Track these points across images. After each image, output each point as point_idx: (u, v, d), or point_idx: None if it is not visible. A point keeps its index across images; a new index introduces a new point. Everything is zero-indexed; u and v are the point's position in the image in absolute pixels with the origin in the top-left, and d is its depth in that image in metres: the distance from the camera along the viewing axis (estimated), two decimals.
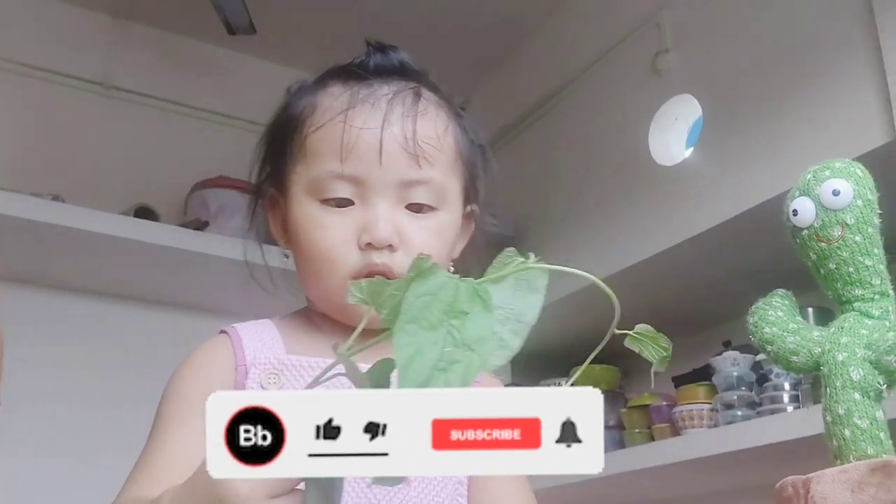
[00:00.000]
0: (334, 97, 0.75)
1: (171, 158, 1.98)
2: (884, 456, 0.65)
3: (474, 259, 0.80)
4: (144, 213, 1.75)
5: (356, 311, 0.73)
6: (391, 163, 0.72)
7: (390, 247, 0.72)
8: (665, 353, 0.46)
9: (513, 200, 2.06)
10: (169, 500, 0.53)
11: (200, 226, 1.74)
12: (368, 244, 0.71)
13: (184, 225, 1.75)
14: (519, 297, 0.44)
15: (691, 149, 1.61)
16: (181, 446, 0.67)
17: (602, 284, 0.45)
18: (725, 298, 1.60)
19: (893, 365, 0.65)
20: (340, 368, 0.47)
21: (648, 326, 0.48)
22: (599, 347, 0.47)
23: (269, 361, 0.72)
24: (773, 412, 1.46)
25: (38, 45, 1.91)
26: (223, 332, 0.77)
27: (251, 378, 0.71)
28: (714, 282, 1.66)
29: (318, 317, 0.79)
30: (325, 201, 0.73)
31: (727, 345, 1.63)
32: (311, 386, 0.49)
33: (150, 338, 1.79)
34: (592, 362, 1.81)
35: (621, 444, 1.76)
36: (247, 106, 2.08)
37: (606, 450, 1.55)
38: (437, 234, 0.74)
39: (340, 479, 0.49)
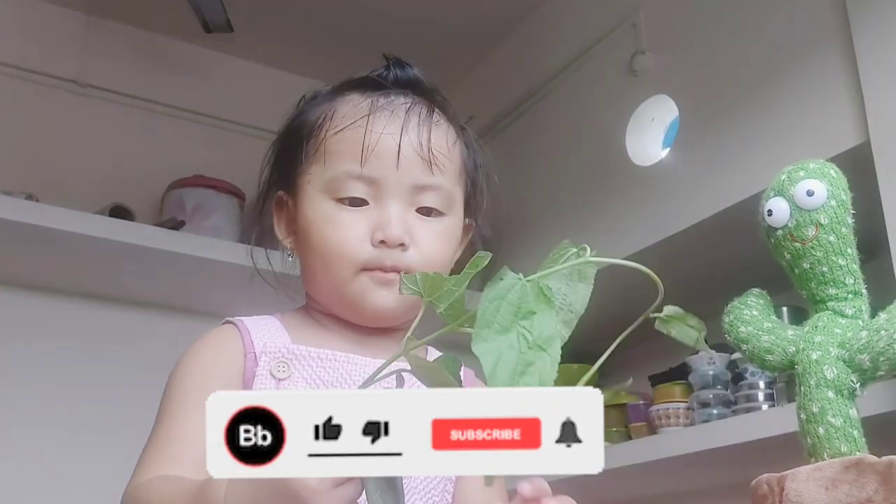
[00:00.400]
0: (354, 104, 0.80)
1: (146, 157, 1.96)
2: (857, 454, 0.66)
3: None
4: (119, 212, 1.73)
5: (363, 306, 0.77)
6: (407, 167, 0.77)
7: (402, 245, 0.76)
8: (697, 333, 0.47)
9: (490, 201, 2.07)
10: (227, 487, 0.54)
11: (176, 225, 1.72)
12: (382, 242, 0.75)
13: (160, 224, 1.74)
14: (571, 287, 0.45)
15: (668, 149, 1.62)
16: (198, 428, 0.68)
17: (649, 271, 0.46)
18: (701, 298, 1.60)
19: (866, 363, 0.66)
20: (400, 365, 0.48)
21: (676, 308, 0.49)
22: (630, 329, 0.48)
23: (278, 350, 0.75)
24: (748, 410, 1.48)
25: (11, 43, 1.88)
26: (228, 322, 0.79)
27: (261, 366, 0.74)
28: (690, 281, 1.67)
29: (319, 314, 0.82)
30: (341, 200, 0.77)
31: None
32: (367, 384, 0.49)
33: (126, 338, 1.77)
34: (570, 361, 1.81)
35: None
36: (223, 105, 2.06)
37: None
38: (443, 237, 0.79)
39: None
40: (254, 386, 0.73)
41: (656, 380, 1.72)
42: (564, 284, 0.45)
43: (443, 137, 0.80)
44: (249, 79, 2.13)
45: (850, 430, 0.66)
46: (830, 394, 0.67)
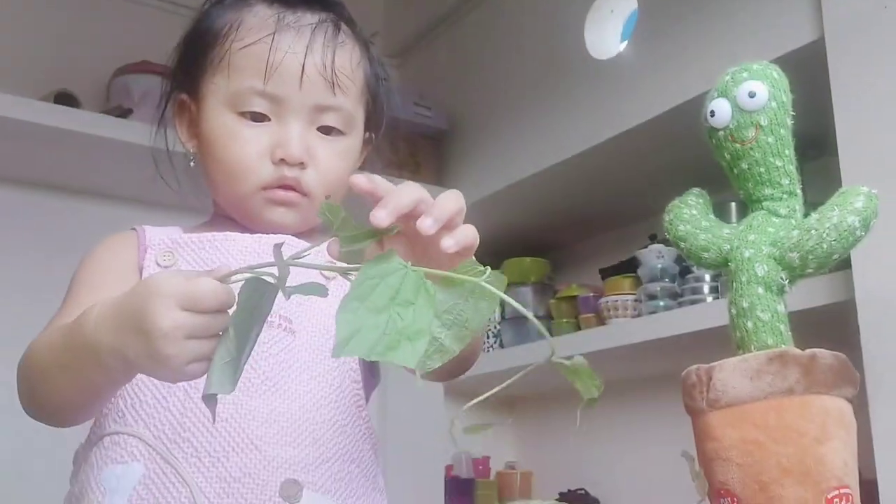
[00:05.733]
0: (260, 18, 0.80)
1: (91, 41, 1.88)
2: (782, 347, 0.69)
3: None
4: (65, 98, 1.67)
5: (261, 221, 0.80)
6: (309, 87, 0.78)
7: (301, 164, 0.78)
8: (595, 393, 0.48)
9: (447, 93, 2.04)
10: (98, 308, 0.60)
11: (123, 113, 1.68)
12: (282, 160, 0.78)
13: (106, 112, 1.69)
14: (470, 304, 0.45)
15: (626, 43, 1.60)
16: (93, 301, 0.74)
17: (535, 321, 0.45)
18: (653, 193, 1.62)
19: (796, 261, 0.68)
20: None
21: (584, 360, 0.49)
22: (507, 383, 0.48)
23: (163, 242, 0.80)
24: (693, 303, 1.52)
25: None
26: (131, 229, 0.84)
27: (148, 257, 0.79)
28: (643, 176, 1.69)
29: (222, 221, 0.85)
30: (243, 114, 0.79)
31: (653, 238, 1.68)
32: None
33: (70, 227, 1.75)
34: (523, 255, 1.84)
35: (549, 334, 1.81)
36: None
37: (535, 339, 1.61)
38: (342, 156, 0.81)
39: (255, 336, 0.54)
40: (142, 276, 0.78)
41: (606, 273, 1.76)
42: (464, 300, 0.44)
43: (347, 58, 0.81)
44: None
45: (777, 324, 0.69)
46: (760, 290, 0.69)
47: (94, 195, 1.80)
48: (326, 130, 0.80)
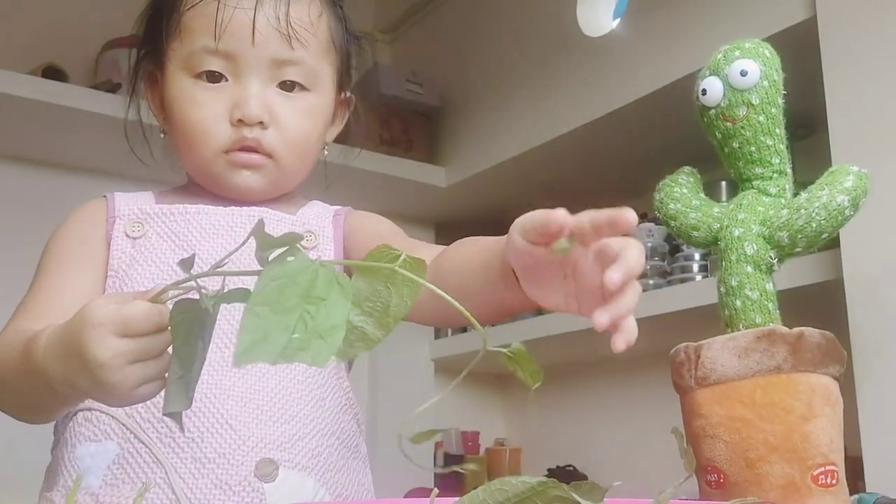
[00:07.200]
0: None
1: (80, 15, 1.86)
2: (770, 325, 0.69)
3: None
4: (53, 73, 1.66)
5: (227, 186, 0.78)
6: (263, 42, 0.76)
7: (261, 123, 0.76)
8: (536, 378, 0.47)
9: (439, 70, 2.03)
10: (46, 336, 0.60)
11: (112, 88, 1.66)
12: (240, 120, 0.76)
13: (94, 87, 1.68)
14: (392, 290, 0.43)
15: (619, 20, 1.59)
16: (59, 287, 0.75)
17: (466, 313, 0.44)
18: (644, 171, 1.63)
19: (785, 240, 0.68)
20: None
21: (522, 347, 0.48)
22: (474, 363, 0.48)
23: (133, 213, 0.79)
24: (682, 281, 1.53)
25: None
26: (102, 197, 0.83)
27: (116, 227, 0.78)
28: (634, 155, 1.69)
29: (195, 186, 0.84)
30: (199, 76, 0.77)
31: (643, 216, 1.68)
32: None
33: (58, 202, 1.73)
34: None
35: (540, 311, 1.82)
36: None
37: (523, 317, 1.61)
38: (307, 114, 0.79)
39: (203, 350, 0.52)
40: (111, 247, 0.77)
41: None
42: (382, 286, 0.42)
43: (304, 11, 0.78)
44: None
45: (766, 302, 0.69)
46: (749, 268, 0.69)
47: (81, 170, 1.79)
48: (289, 87, 0.78)
